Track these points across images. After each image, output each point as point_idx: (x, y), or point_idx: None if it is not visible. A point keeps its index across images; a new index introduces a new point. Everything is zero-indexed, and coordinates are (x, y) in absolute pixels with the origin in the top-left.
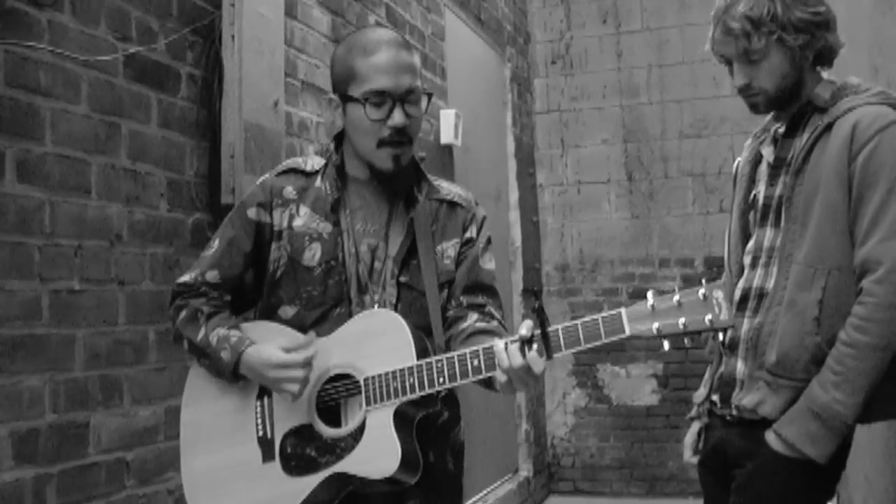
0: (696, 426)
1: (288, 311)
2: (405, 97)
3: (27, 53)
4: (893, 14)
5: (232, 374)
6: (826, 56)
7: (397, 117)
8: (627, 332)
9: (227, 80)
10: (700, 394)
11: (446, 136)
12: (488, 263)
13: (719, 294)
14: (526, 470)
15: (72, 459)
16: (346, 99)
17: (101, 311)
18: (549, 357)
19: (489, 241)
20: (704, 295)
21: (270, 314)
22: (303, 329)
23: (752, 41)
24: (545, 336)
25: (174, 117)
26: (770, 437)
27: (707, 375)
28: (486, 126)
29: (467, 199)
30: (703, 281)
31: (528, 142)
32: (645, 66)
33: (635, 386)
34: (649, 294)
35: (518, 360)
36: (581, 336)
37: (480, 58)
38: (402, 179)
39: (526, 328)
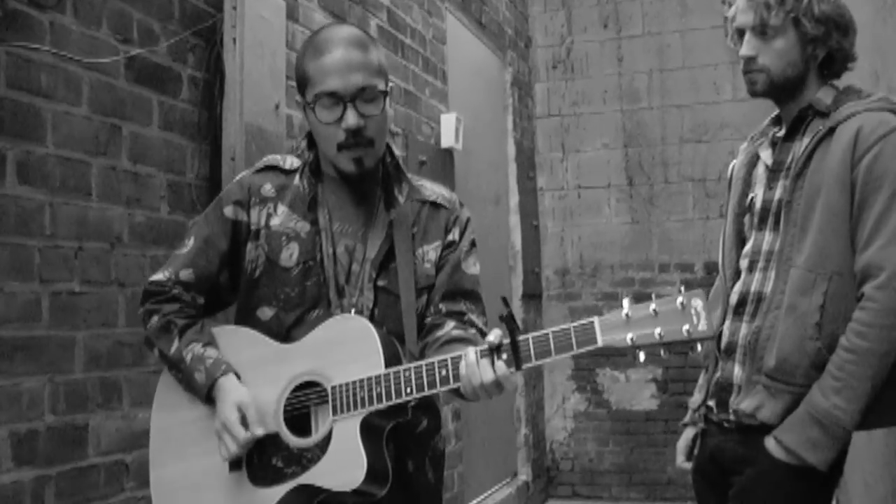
0: (690, 432)
1: (266, 312)
2: (357, 96)
3: (29, 55)
4: (894, 21)
5: (205, 397)
6: (835, 63)
7: (350, 119)
8: (600, 342)
9: (228, 82)
10: (696, 399)
11: (447, 140)
12: (472, 268)
13: (698, 303)
14: (525, 474)
15: (71, 461)
16: (305, 103)
17: (101, 313)
18: (518, 368)
19: (473, 243)
20: (682, 304)
21: (249, 315)
22: (282, 332)
23: (771, 15)
24: (514, 346)
25: (175, 119)
26: (770, 443)
27: (702, 380)
28: (486, 130)
29: (451, 200)
30: (682, 288)
31: (528, 146)
32: (646, 70)
33: (634, 391)
34: (625, 302)
35: (488, 373)
36: (552, 346)
37: (481, 62)
38: (374, 181)
39: (494, 336)
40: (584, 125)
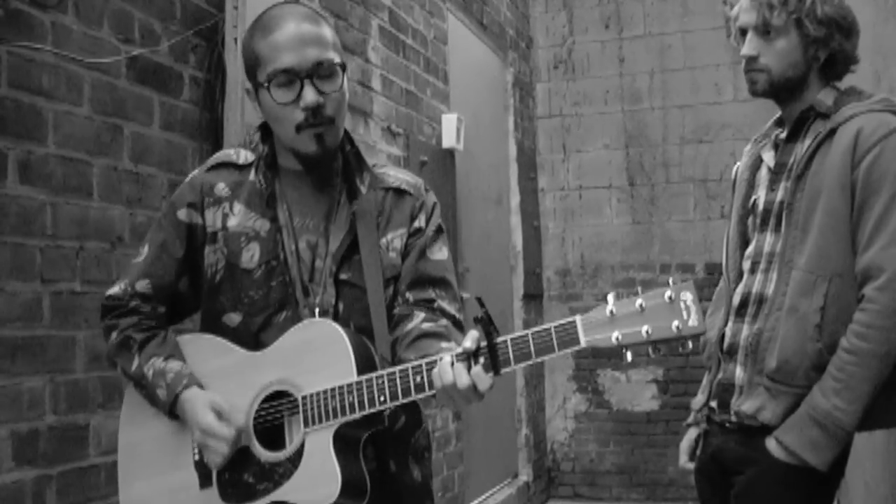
0: (693, 432)
1: (233, 318)
2: (314, 72)
3: (30, 55)
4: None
5: (168, 414)
6: (837, 64)
7: (308, 96)
8: (583, 342)
9: (229, 82)
10: (698, 400)
11: (448, 140)
12: (438, 253)
13: (688, 296)
14: (525, 475)
15: (72, 461)
16: (256, 87)
17: None
18: (497, 373)
19: (440, 228)
20: (671, 297)
21: (215, 322)
22: (250, 337)
23: (774, 15)
24: (492, 349)
25: (176, 119)
26: (771, 444)
27: (705, 382)
28: (487, 130)
29: (416, 186)
30: (671, 281)
31: (529, 146)
32: (647, 71)
33: (636, 391)
34: (610, 297)
35: (463, 380)
36: (532, 349)
37: (483, 62)
38: (334, 171)
39: (471, 340)
40: (585, 126)
